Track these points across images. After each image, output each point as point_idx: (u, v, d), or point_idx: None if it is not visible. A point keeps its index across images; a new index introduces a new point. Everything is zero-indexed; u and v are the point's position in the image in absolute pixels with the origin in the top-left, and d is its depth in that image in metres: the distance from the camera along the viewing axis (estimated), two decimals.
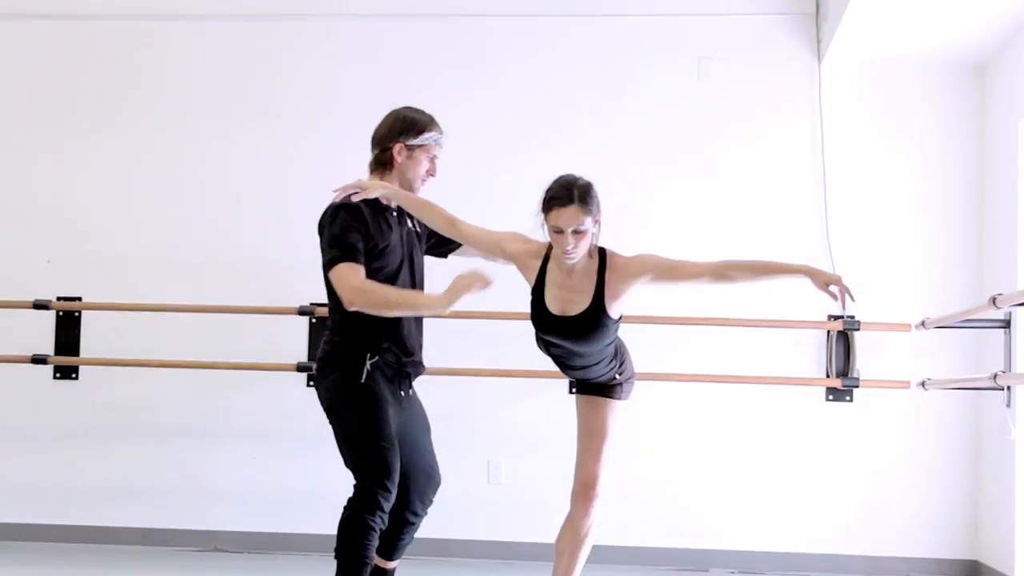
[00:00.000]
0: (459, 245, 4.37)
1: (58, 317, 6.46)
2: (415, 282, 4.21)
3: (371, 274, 4.04)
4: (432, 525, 4.57)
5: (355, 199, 4.01)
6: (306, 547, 6.21)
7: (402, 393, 4.16)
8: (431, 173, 4.20)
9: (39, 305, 6.29)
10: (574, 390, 4.26)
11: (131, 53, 6.64)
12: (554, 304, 3.98)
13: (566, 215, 3.81)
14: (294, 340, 6.29)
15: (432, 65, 6.43)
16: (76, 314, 6.46)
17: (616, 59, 6.41)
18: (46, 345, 6.43)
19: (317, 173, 6.31)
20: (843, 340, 6.11)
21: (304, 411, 6.22)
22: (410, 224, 4.23)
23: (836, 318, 6.07)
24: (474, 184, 6.02)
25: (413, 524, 4.27)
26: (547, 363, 4.25)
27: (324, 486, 6.11)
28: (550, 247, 3.98)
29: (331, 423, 4.09)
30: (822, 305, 6.14)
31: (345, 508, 4.00)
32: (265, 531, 6.34)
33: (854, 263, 6.12)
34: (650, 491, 6.19)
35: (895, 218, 6.22)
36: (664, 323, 6.06)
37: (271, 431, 6.38)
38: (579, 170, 5.97)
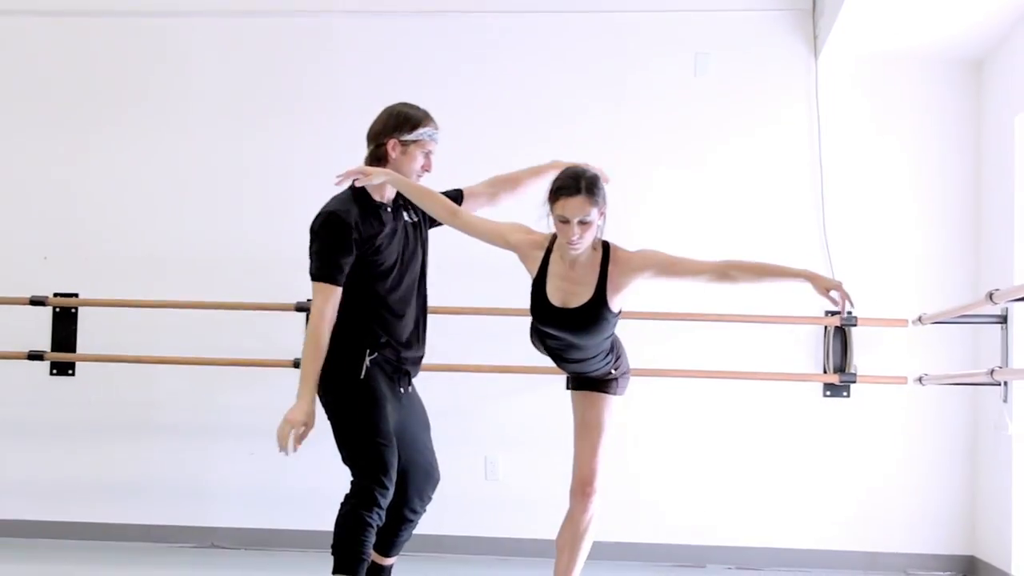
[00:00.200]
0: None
1: (54, 313, 6.45)
2: (412, 279, 4.21)
3: (367, 270, 4.06)
4: (429, 521, 4.57)
5: (358, 184, 4.04)
6: (303, 543, 6.21)
7: (401, 390, 4.17)
8: (426, 168, 4.21)
9: (35, 301, 6.28)
10: (570, 387, 4.26)
11: (128, 49, 6.62)
12: (555, 295, 3.99)
13: (572, 205, 3.82)
14: (291, 336, 6.27)
15: (430, 61, 6.42)
16: (73, 310, 6.45)
17: (613, 55, 6.40)
18: (42, 341, 6.42)
19: (314, 170, 6.29)
20: (840, 336, 6.12)
21: None
22: (407, 216, 4.23)
23: (833, 314, 6.07)
24: (473, 180, 5.99)
25: (412, 521, 4.28)
26: (545, 359, 4.26)
27: (321, 482, 6.12)
28: (553, 238, 4.00)
29: (329, 419, 4.10)
30: (820, 301, 6.12)
31: (342, 504, 4.01)
32: (262, 527, 6.34)
33: (851, 259, 6.13)
34: (647, 487, 6.19)
35: (892, 214, 6.22)
36: (662, 319, 6.06)
37: (268, 427, 6.24)
38: None
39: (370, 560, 4.03)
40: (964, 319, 5.78)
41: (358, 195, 4.11)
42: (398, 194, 4.23)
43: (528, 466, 6.21)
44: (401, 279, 4.14)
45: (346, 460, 4.07)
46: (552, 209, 3.88)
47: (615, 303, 3.98)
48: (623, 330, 5.70)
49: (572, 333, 4.00)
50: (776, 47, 6.32)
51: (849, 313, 5.98)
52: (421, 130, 4.16)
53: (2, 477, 6.49)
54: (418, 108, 4.22)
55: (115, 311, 6.39)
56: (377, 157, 4.17)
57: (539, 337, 4.13)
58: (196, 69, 6.59)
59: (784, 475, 6.18)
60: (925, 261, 6.18)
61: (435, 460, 4.31)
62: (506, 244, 4.11)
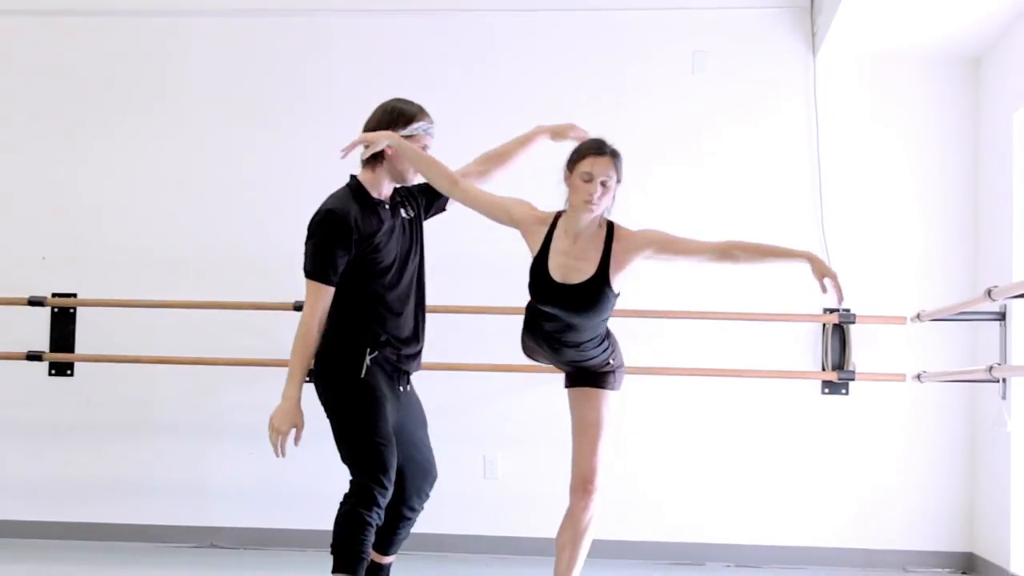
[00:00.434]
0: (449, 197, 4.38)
1: (53, 314, 6.44)
2: (411, 276, 4.21)
3: (367, 268, 4.07)
4: (428, 520, 4.57)
5: (366, 155, 4.08)
6: (303, 543, 6.21)
7: (400, 389, 4.17)
8: None
9: (34, 302, 6.28)
10: (567, 384, 4.26)
11: (126, 49, 6.62)
12: (557, 272, 4.02)
13: (600, 164, 3.95)
14: (290, 336, 6.19)
15: (429, 60, 6.42)
16: (71, 311, 6.44)
17: (611, 53, 6.40)
18: (41, 342, 6.42)
19: (312, 169, 6.31)
20: (839, 333, 6.12)
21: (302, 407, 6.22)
22: (403, 212, 4.23)
23: (832, 311, 6.08)
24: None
25: (409, 519, 4.29)
26: None
27: (320, 482, 6.12)
28: (557, 216, 4.07)
29: (329, 418, 4.10)
30: (818, 298, 6.14)
31: (341, 503, 4.01)
32: (261, 527, 6.34)
33: (849, 256, 6.13)
34: (646, 485, 6.19)
35: (890, 211, 6.22)
36: (661, 317, 6.07)
37: (267, 427, 6.36)
38: None
39: (369, 559, 4.03)
40: (963, 316, 5.78)
41: (356, 192, 4.12)
42: (395, 191, 4.24)
43: (527, 465, 6.21)
44: (400, 276, 4.15)
45: (345, 459, 4.07)
46: (575, 167, 3.97)
47: (616, 281, 4.02)
48: (622, 327, 5.69)
49: (571, 311, 4.01)
50: (774, 44, 6.32)
51: (846, 310, 5.99)
52: (416, 124, 4.17)
53: (1, 477, 6.48)
54: (412, 103, 4.23)
55: (113, 311, 6.38)
56: (373, 154, 4.17)
57: (535, 323, 4.12)
58: (194, 69, 6.59)
59: (783, 473, 6.18)
60: (923, 258, 6.18)
61: (432, 458, 4.31)
62: (509, 217, 4.14)
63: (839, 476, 6.15)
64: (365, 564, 3.98)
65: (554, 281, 4.02)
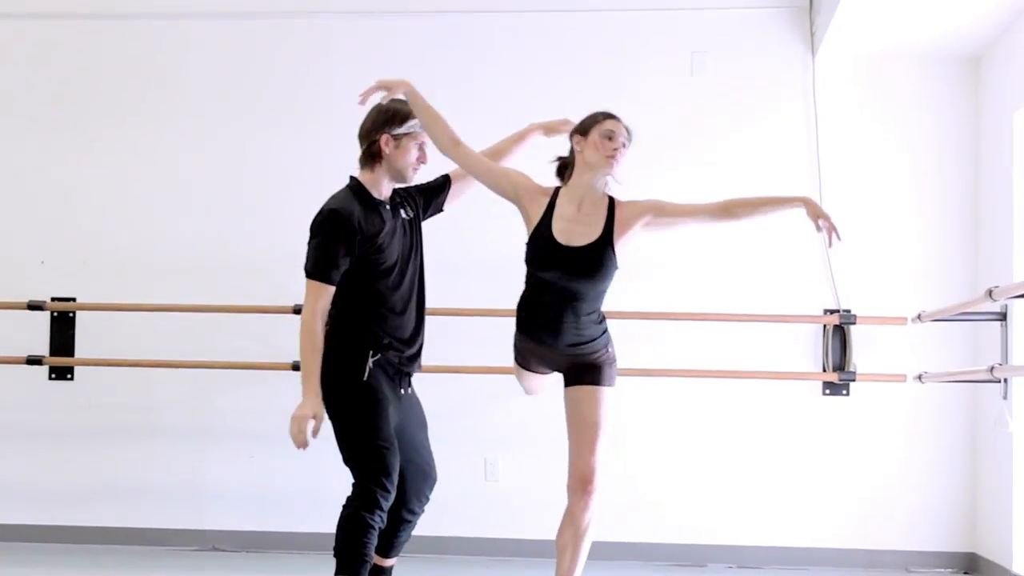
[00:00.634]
0: (446, 197, 4.40)
1: (53, 318, 6.44)
2: (412, 276, 4.20)
3: (370, 268, 4.06)
4: (429, 522, 4.57)
5: (385, 101, 4.11)
6: (303, 546, 6.20)
7: (402, 391, 4.17)
8: (422, 161, 4.23)
9: (33, 306, 6.28)
10: (567, 383, 4.25)
11: (124, 53, 6.62)
12: (561, 235, 4.08)
13: (620, 125, 4.16)
14: (289, 339, 6.18)
15: (427, 62, 6.41)
16: (71, 315, 6.45)
17: (609, 54, 6.39)
18: (41, 346, 6.42)
19: (311, 171, 6.32)
20: (839, 334, 6.11)
21: None
22: (403, 213, 4.23)
23: (832, 312, 6.08)
24: None
25: (410, 522, 4.28)
26: None
27: (321, 485, 6.12)
28: (557, 189, 4.16)
29: (331, 419, 4.08)
30: (818, 299, 6.16)
31: (344, 506, 4.00)
32: (262, 530, 6.34)
33: (850, 257, 6.12)
34: (648, 487, 6.19)
35: (890, 211, 6.22)
36: (661, 319, 6.07)
37: (267, 430, 6.35)
38: None
39: (372, 562, 4.02)
40: (963, 316, 5.78)
41: (357, 193, 4.12)
42: (394, 192, 4.24)
43: (528, 467, 6.20)
44: (402, 277, 4.14)
45: (347, 461, 4.06)
46: (594, 128, 4.13)
47: (619, 246, 4.09)
48: (623, 329, 5.68)
49: (575, 275, 4.05)
50: (773, 45, 6.32)
51: (847, 311, 5.99)
52: (411, 122, 4.18)
53: (1, 482, 6.48)
54: (406, 103, 4.22)
55: (113, 315, 6.38)
56: (371, 154, 4.17)
57: (533, 306, 4.14)
58: (193, 72, 6.58)
59: (784, 474, 6.17)
60: (924, 258, 6.17)
61: (432, 460, 4.31)
62: (510, 183, 4.19)
63: (841, 477, 6.14)
64: (368, 567, 3.98)
65: (559, 243, 4.06)
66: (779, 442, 6.18)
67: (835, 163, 6.22)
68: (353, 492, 4.01)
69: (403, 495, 4.17)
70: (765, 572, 6.04)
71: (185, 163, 6.54)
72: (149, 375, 6.38)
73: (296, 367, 6.11)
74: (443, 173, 4.44)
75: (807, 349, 6.17)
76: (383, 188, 4.18)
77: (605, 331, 4.20)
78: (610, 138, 4.11)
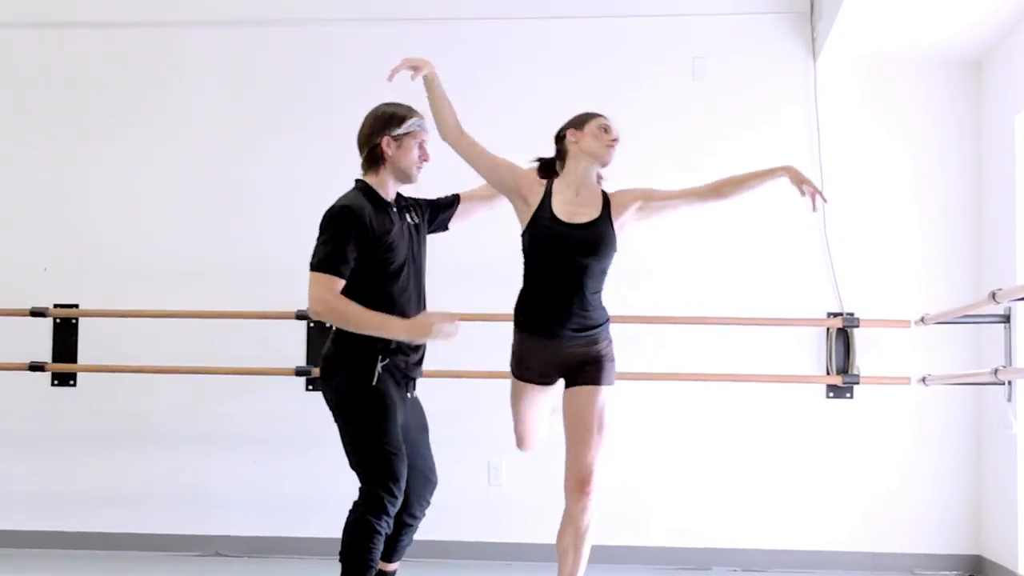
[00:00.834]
0: (453, 214, 4.44)
1: (55, 324, 6.44)
2: (417, 280, 4.21)
3: (379, 269, 4.07)
4: (433, 527, 4.56)
5: (414, 77, 4.17)
6: (306, 551, 6.20)
7: (408, 395, 4.17)
8: (424, 159, 4.25)
9: (36, 313, 6.28)
10: (568, 384, 4.25)
11: (127, 61, 6.63)
12: (563, 214, 4.20)
13: (612, 123, 4.31)
14: (292, 344, 6.29)
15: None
16: (73, 321, 6.45)
17: (611, 60, 6.40)
18: (43, 352, 6.42)
19: (314, 177, 6.33)
20: (843, 337, 6.11)
21: (303, 415, 6.23)
22: (409, 218, 4.24)
23: (835, 315, 6.08)
24: (473, 184, 6.00)
25: (411, 526, 4.28)
26: None
27: (324, 490, 6.13)
28: (550, 183, 4.29)
29: (338, 423, 4.08)
30: (822, 302, 6.16)
31: (351, 511, 4.00)
32: (266, 535, 6.33)
33: (853, 261, 6.14)
34: (652, 490, 6.18)
35: (893, 215, 6.22)
36: (665, 323, 6.08)
37: (270, 435, 6.37)
38: None
39: (378, 567, 4.02)
40: (967, 319, 5.77)
41: (367, 193, 4.13)
42: (399, 196, 4.26)
43: (531, 471, 6.16)
44: (409, 279, 4.15)
45: (355, 466, 4.05)
46: (589, 122, 4.27)
47: (617, 228, 4.25)
48: (627, 332, 5.68)
49: (580, 251, 4.15)
50: (774, 50, 6.33)
51: (850, 314, 5.99)
52: (410, 121, 4.19)
53: (4, 488, 6.48)
54: (400, 104, 4.25)
55: (115, 321, 6.39)
56: (374, 158, 4.18)
57: (536, 295, 4.19)
58: (194, 80, 6.59)
59: (788, 477, 6.17)
60: (927, 261, 6.18)
61: (433, 464, 4.31)
62: (511, 173, 4.27)
63: (845, 480, 6.14)
64: (374, 572, 3.97)
65: (562, 221, 4.18)
66: (783, 445, 6.17)
67: (837, 167, 6.22)
68: (360, 497, 4.00)
69: (405, 500, 4.16)
70: (770, 575, 6.03)
71: (188, 170, 6.55)
72: (151, 381, 6.38)
73: (299, 372, 6.13)
74: (453, 193, 4.46)
75: (811, 352, 6.17)
76: (389, 190, 4.20)
77: (607, 320, 4.27)
78: (606, 130, 4.27)
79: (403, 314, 4.10)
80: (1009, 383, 5.47)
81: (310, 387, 6.26)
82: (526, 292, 4.25)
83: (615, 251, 4.24)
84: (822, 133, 6.23)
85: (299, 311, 6.11)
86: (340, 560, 3.97)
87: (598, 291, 4.23)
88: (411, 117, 4.20)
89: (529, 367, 4.26)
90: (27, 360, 6.31)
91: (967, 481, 6.08)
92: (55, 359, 6.41)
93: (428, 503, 4.30)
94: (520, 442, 4.49)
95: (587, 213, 4.22)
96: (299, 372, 6.15)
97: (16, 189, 6.63)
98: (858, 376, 6.02)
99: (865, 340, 6.09)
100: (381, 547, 3.99)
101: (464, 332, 5.91)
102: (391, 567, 4.31)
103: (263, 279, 6.38)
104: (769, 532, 6.16)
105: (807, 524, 6.14)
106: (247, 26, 6.57)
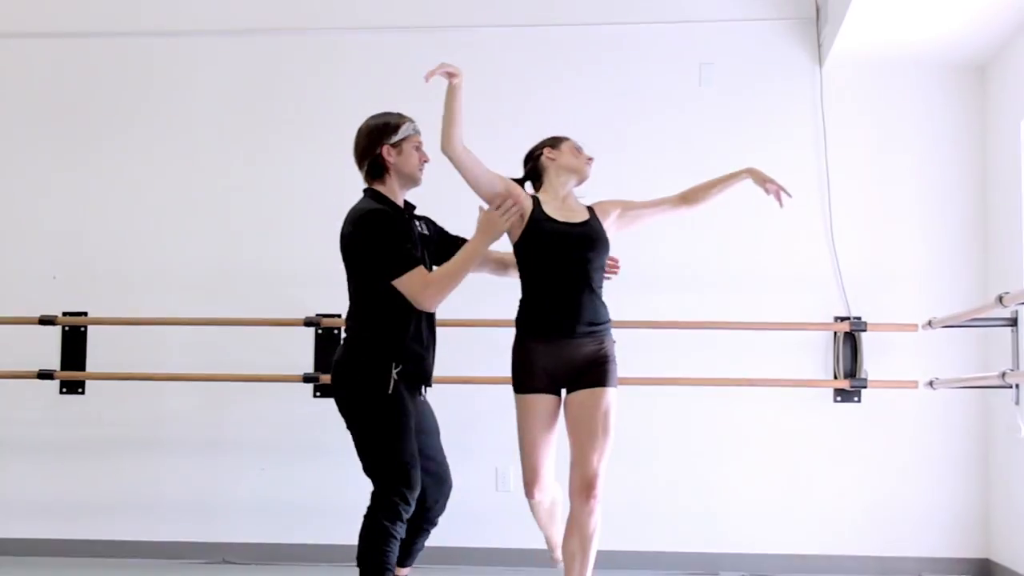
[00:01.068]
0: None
1: (64, 332, 6.46)
2: None
3: None
4: (440, 533, 4.55)
5: (455, 81, 4.20)
6: (315, 558, 6.19)
7: (420, 398, 4.20)
8: (424, 160, 4.30)
9: (45, 320, 6.30)
10: (565, 393, 4.26)
11: (135, 70, 6.66)
12: (557, 217, 4.30)
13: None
14: (300, 351, 6.30)
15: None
16: (82, 329, 6.46)
17: (618, 66, 6.42)
18: (52, 360, 6.43)
19: (322, 185, 6.35)
20: (850, 341, 6.11)
21: (311, 422, 6.24)
22: (419, 228, 4.28)
23: (843, 319, 6.08)
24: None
25: (426, 530, 4.31)
26: None
27: (332, 496, 6.14)
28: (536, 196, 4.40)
29: (352, 430, 4.09)
30: (829, 306, 6.16)
31: (366, 516, 4.01)
32: (273, 542, 6.33)
33: (859, 265, 6.15)
34: (660, 494, 6.18)
35: (899, 219, 6.23)
36: (673, 328, 6.08)
37: (278, 442, 6.38)
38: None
39: (394, 571, 4.03)
40: (974, 322, 5.76)
41: (382, 200, 4.18)
42: (406, 203, 4.29)
43: None
44: None
45: (369, 472, 4.06)
46: (563, 143, 4.46)
47: (606, 227, 4.38)
48: (634, 338, 5.69)
49: (582, 246, 4.24)
50: (780, 56, 6.34)
51: (857, 318, 5.99)
52: (404, 127, 4.25)
53: (13, 496, 6.49)
54: (390, 113, 4.30)
55: (124, 329, 6.40)
56: (377, 169, 4.23)
57: (543, 298, 4.20)
58: (202, 87, 6.62)
59: (796, 481, 6.16)
60: (934, 265, 6.18)
61: (447, 466, 4.33)
62: (504, 184, 4.28)
63: (853, 484, 6.14)
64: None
65: (559, 221, 4.27)
66: (791, 450, 6.17)
67: (843, 172, 6.23)
68: (374, 502, 4.02)
69: (422, 504, 4.17)
70: None
71: (196, 178, 6.57)
72: (160, 388, 6.39)
73: (307, 379, 6.14)
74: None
75: (818, 356, 6.17)
76: (398, 198, 4.25)
77: (610, 319, 4.32)
78: (580, 150, 4.46)
79: (417, 319, 4.12)
80: (1017, 386, 5.47)
81: (318, 394, 6.28)
82: (531, 298, 4.27)
83: (609, 249, 4.35)
84: (828, 138, 6.25)
85: (307, 318, 6.13)
86: (358, 565, 3.99)
87: (601, 287, 4.30)
88: (404, 123, 4.26)
89: (537, 374, 4.23)
90: (36, 368, 6.32)
91: (975, 484, 6.08)
92: (64, 367, 6.43)
93: (443, 508, 4.32)
94: (531, 481, 4.29)
95: (578, 215, 4.35)
96: (307, 379, 6.15)
97: (25, 198, 6.65)
98: (865, 380, 6.02)
99: (872, 344, 6.10)
100: (397, 551, 4.01)
101: (471, 339, 6.01)
102: (404, 571, 4.34)
103: (271, 286, 6.40)
104: (777, 536, 6.15)
105: (815, 528, 6.14)
106: (257, 34, 6.60)
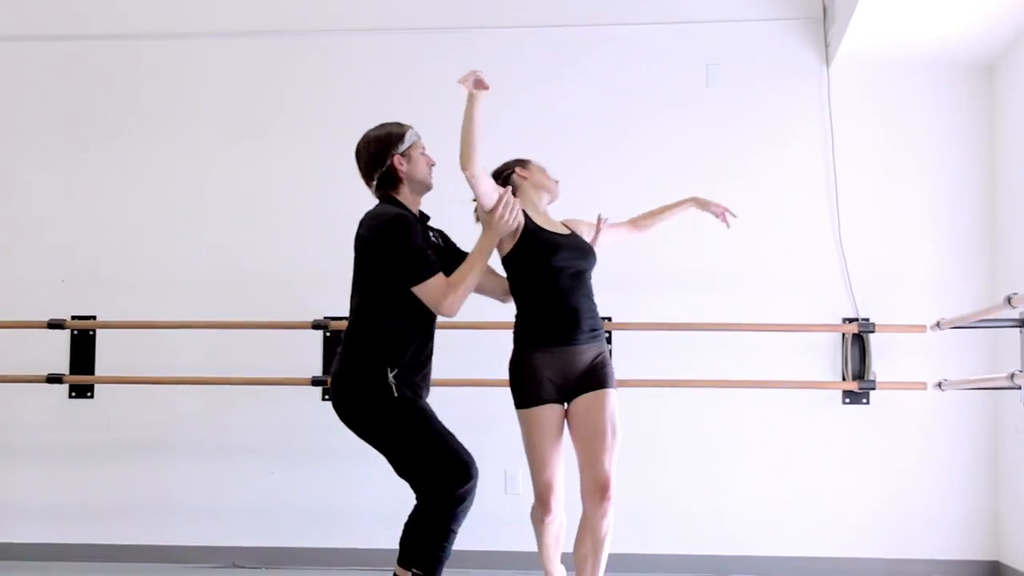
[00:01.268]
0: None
1: (73, 336, 6.47)
2: None
3: None
4: None
5: (480, 89, 4.16)
6: (324, 561, 6.19)
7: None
8: (430, 163, 4.32)
9: (54, 324, 6.31)
10: (566, 405, 4.27)
11: (140, 73, 6.67)
12: (547, 227, 4.36)
13: None
14: (308, 354, 6.29)
15: (442, 78, 6.39)
16: (91, 333, 6.47)
17: (625, 67, 6.42)
18: (61, 364, 6.44)
19: (328, 187, 6.36)
20: (858, 343, 6.10)
21: (320, 425, 6.22)
22: (433, 237, 4.32)
23: (851, 321, 6.07)
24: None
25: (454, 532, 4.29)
26: None
27: (341, 500, 6.14)
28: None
29: (376, 444, 4.08)
30: (837, 308, 6.15)
31: (419, 516, 4.05)
32: (282, 546, 6.33)
33: (867, 266, 6.13)
34: (668, 497, 6.18)
35: (907, 220, 6.21)
36: (681, 330, 6.07)
37: (287, 446, 6.38)
38: (589, 177, 6.04)
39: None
40: (982, 323, 5.74)
41: (400, 207, 4.19)
42: (421, 213, 4.31)
43: None
44: None
45: (411, 475, 4.05)
46: (530, 164, 4.53)
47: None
48: (641, 340, 5.68)
49: (576, 253, 4.28)
50: (787, 56, 6.33)
51: (866, 319, 5.98)
52: (408, 135, 4.26)
53: (23, 500, 6.50)
54: (390, 123, 4.30)
55: (132, 333, 6.41)
56: (389, 180, 4.23)
57: (549, 303, 4.22)
58: (208, 90, 6.63)
59: (805, 483, 6.15)
60: (942, 266, 6.17)
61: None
62: (502, 191, 4.31)
63: (862, 486, 6.13)
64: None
65: (551, 231, 4.32)
66: (799, 451, 6.16)
67: (851, 172, 6.22)
68: (430, 500, 4.03)
69: None
70: None
71: (204, 181, 6.58)
72: (169, 392, 6.40)
73: (315, 382, 6.14)
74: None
75: (826, 358, 6.16)
76: (414, 207, 4.27)
77: (600, 322, 4.38)
78: (545, 171, 4.56)
79: (419, 330, 4.12)
80: None
81: (326, 397, 6.28)
82: (531, 309, 4.28)
83: (597, 258, 4.41)
84: (835, 138, 6.24)
85: (315, 321, 6.13)
86: (409, 566, 4.06)
87: (593, 293, 4.35)
88: (407, 130, 4.27)
89: (544, 384, 4.24)
90: (45, 372, 6.33)
91: (984, 486, 6.06)
92: (72, 371, 6.43)
93: (467, 509, 4.27)
94: (546, 497, 4.28)
95: (561, 228, 4.42)
96: (315, 382, 6.15)
97: (33, 202, 6.66)
98: (874, 381, 6.01)
99: (881, 345, 6.09)
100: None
101: (479, 342, 6.01)
102: (410, 573, 4.31)
103: (279, 289, 6.41)
104: (785, 538, 6.14)
105: (824, 530, 6.13)
106: (261, 36, 6.61)
